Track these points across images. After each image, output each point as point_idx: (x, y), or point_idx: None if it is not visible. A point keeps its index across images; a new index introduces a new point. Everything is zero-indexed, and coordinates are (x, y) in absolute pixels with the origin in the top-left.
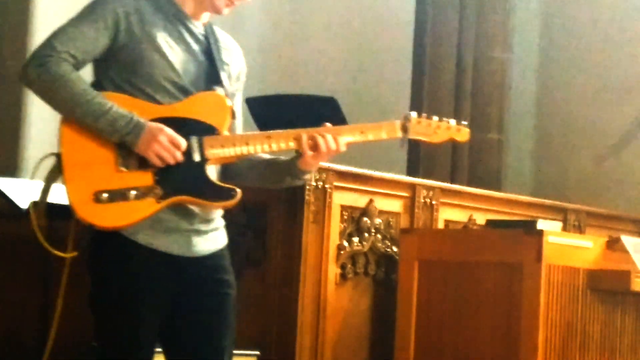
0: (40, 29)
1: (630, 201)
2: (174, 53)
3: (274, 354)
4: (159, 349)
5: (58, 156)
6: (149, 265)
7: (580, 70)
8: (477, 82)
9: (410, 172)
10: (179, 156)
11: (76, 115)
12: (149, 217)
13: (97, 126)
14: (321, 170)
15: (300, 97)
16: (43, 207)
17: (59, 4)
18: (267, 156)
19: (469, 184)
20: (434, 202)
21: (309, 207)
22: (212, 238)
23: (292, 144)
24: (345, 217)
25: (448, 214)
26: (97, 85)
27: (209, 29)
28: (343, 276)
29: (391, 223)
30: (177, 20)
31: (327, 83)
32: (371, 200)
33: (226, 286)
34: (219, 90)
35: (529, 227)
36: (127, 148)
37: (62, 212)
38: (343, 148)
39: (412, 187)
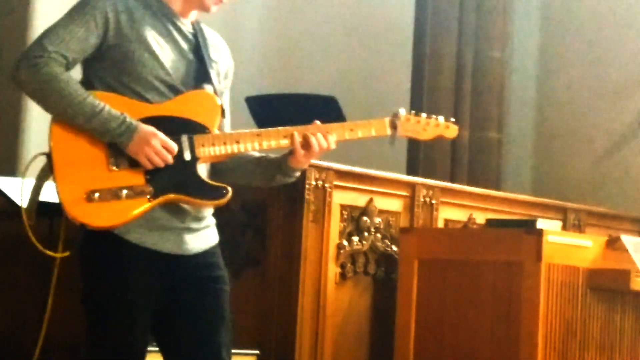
0: (41, 29)
1: (630, 200)
2: (164, 52)
3: (273, 353)
4: (156, 348)
5: (48, 155)
6: (141, 264)
7: (580, 69)
8: (476, 81)
9: (410, 171)
10: (170, 160)
11: (68, 116)
12: (140, 216)
13: (88, 127)
14: (321, 169)
15: (300, 97)
16: (34, 207)
17: (59, 3)
18: (256, 154)
19: (469, 183)
20: (433, 202)
21: (309, 206)
22: (204, 236)
23: (282, 142)
24: (345, 216)
25: (448, 213)
26: (87, 84)
27: (197, 27)
28: (343, 275)
29: (391, 222)
30: (165, 19)
31: (327, 82)
32: (371, 200)
33: (220, 282)
34: (208, 89)
35: (528, 227)
36: (118, 147)
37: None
38: (333, 146)
39: (412, 187)
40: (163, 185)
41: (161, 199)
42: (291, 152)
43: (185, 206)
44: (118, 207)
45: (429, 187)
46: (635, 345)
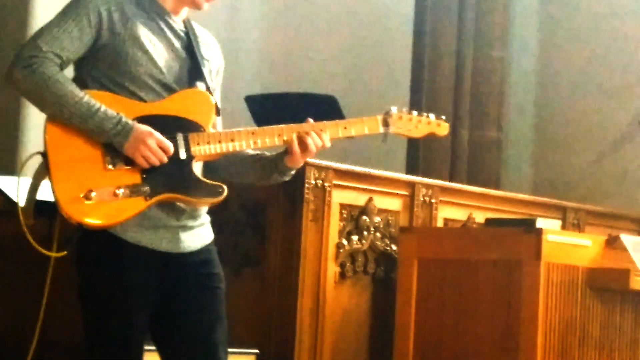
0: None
1: (629, 200)
2: (157, 50)
3: (273, 352)
4: (152, 347)
5: (44, 155)
6: (137, 263)
7: (579, 68)
8: (476, 80)
9: (410, 170)
10: (166, 159)
11: (64, 116)
12: (137, 215)
13: (84, 127)
14: (321, 168)
15: (299, 96)
16: (31, 206)
17: (58, 3)
18: (251, 152)
19: (468, 183)
20: (433, 201)
21: (308, 206)
22: (199, 234)
23: (276, 141)
24: (345, 215)
25: (447, 213)
26: (79, 83)
27: (188, 25)
28: (342, 275)
29: (390, 221)
30: (158, 17)
31: (327, 82)
32: (370, 199)
33: (216, 280)
34: (200, 87)
35: (528, 226)
36: (114, 147)
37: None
38: (328, 144)
39: (412, 186)
40: (159, 184)
41: (158, 197)
42: (287, 152)
43: (181, 204)
44: (115, 207)
45: (428, 187)
46: (635, 344)
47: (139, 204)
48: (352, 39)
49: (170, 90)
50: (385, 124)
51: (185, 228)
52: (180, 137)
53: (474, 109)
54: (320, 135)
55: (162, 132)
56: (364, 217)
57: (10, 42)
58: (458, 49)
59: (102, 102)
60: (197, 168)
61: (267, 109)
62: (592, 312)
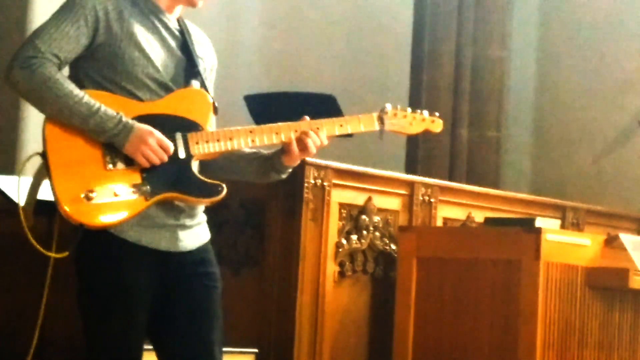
0: None
1: (628, 199)
2: (153, 49)
3: (272, 351)
4: (150, 347)
5: (43, 155)
6: (137, 262)
7: (579, 67)
8: (475, 80)
9: (409, 169)
10: (166, 158)
11: (64, 117)
12: (137, 214)
13: (85, 127)
14: (320, 167)
15: (298, 95)
16: (31, 207)
17: (57, 3)
18: (248, 150)
19: (468, 182)
20: (432, 200)
21: (308, 205)
22: (197, 233)
23: (274, 139)
24: (344, 214)
25: (446, 212)
26: (75, 82)
27: (182, 23)
28: (341, 274)
29: (390, 221)
30: (153, 16)
31: (326, 81)
32: (370, 198)
33: (213, 279)
34: (196, 85)
35: (527, 225)
36: (114, 146)
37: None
38: (325, 141)
39: (411, 185)
40: (159, 183)
41: (158, 197)
42: (284, 150)
43: (179, 203)
44: (116, 206)
45: (427, 186)
46: (634, 343)
47: (140, 204)
48: (352, 38)
49: (167, 89)
50: (381, 121)
51: (184, 227)
52: (179, 137)
53: (473, 108)
54: (319, 134)
55: (161, 132)
56: (363, 217)
57: (10, 42)
58: (457, 49)
59: (100, 102)
60: (195, 167)
61: (266, 108)
62: (591, 311)
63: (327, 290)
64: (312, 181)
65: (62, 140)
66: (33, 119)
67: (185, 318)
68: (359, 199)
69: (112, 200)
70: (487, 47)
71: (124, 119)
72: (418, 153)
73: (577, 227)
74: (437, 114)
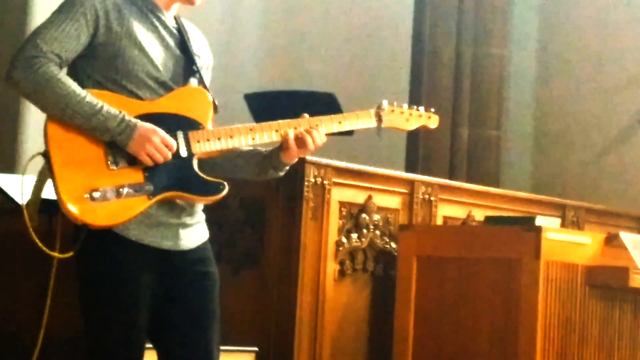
0: None
1: (628, 198)
2: (153, 48)
3: (272, 350)
4: (149, 345)
5: (45, 155)
6: (140, 261)
7: (579, 66)
8: (475, 78)
9: (409, 168)
10: (170, 156)
11: (66, 116)
12: (140, 214)
13: (88, 126)
14: (320, 166)
15: (298, 93)
16: (35, 207)
17: (57, 3)
18: (246, 148)
19: (468, 181)
20: (432, 199)
21: (308, 204)
22: (197, 231)
23: (274, 136)
24: (344, 213)
25: (447, 211)
26: (75, 82)
27: (179, 21)
28: (342, 272)
29: (390, 219)
30: (151, 14)
31: (326, 79)
32: (370, 197)
33: (211, 279)
34: (194, 83)
35: (527, 224)
36: (116, 145)
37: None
38: (324, 139)
39: (411, 184)
40: (162, 182)
41: (161, 196)
42: (282, 147)
43: (180, 202)
44: (119, 206)
45: (428, 184)
46: (634, 342)
47: (143, 203)
48: (352, 36)
49: (166, 87)
50: (378, 117)
51: (185, 226)
52: (180, 135)
53: (473, 106)
54: (318, 131)
55: (163, 130)
56: (364, 215)
57: (10, 42)
58: (457, 47)
59: (102, 101)
60: (195, 165)
61: (267, 106)
62: (591, 309)
63: (327, 288)
64: (312, 180)
65: (64, 140)
66: (33, 118)
67: (184, 317)
68: (359, 197)
69: (116, 200)
70: (487, 45)
71: (127, 117)
72: (418, 152)
73: (578, 225)
74: (432, 109)
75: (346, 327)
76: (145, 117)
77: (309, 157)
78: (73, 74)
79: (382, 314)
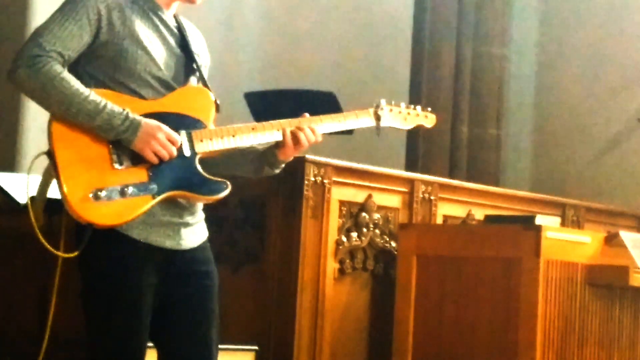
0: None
1: (628, 196)
2: (155, 47)
3: (272, 349)
4: (150, 344)
5: (49, 154)
6: (143, 261)
7: (579, 65)
8: (475, 77)
9: (409, 167)
10: (175, 153)
11: (70, 115)
12: (144, 213)
13: (92, 125)
14: (320, 165)
15: (298, 92)
16: (41, 207)
17: (58, 3)
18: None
19: (468, 179)
20: (432, 198)
21: (308, 202)
22: (197, 230)
23: (276, 136)
24: (344, 212)
25: (447, 209)
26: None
27: (178, 20)
28: (341, 271)
29: (390, 218)
30: (152, 13)
31: (326, 78)
32: (370, 196)
33: (211, 277)
34: (193, 81)
35: (527, 223)
36: (120, 144)
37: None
38: (320, 138)
39: (411, 183)
40: (166, 181)
41: (165, 195)
42: (278, 145)
43: (182, 201)
44: (124, 205)
45: (427, 183)
46: (634, 341)
47: (147, 202)
48: (352, 35)
49: (168, 87)
50: (377, 116)
51: (186, 225)
52: (183, 134)
53: (473, 106)
54: (313, 130)
55: None
56: (364, 214)
57: (10, 42)
58: (457, 46)
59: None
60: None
61: (267, 105)
62: (591, 308)
63: (327, 287)
64: (312, 178)
65: (68, 139)
66: (33, 117)
67: (185, 317)
68: (359, 196)
69: (120, 199)
70: (487, 44)
71: (131, 115)
72: (418, 150)
73: (577, 224)
74: (429, 109)
75: (346, 326)
76: (148, 116)
77: (309, 156)
78: (75, 73)
79: (382, 313)
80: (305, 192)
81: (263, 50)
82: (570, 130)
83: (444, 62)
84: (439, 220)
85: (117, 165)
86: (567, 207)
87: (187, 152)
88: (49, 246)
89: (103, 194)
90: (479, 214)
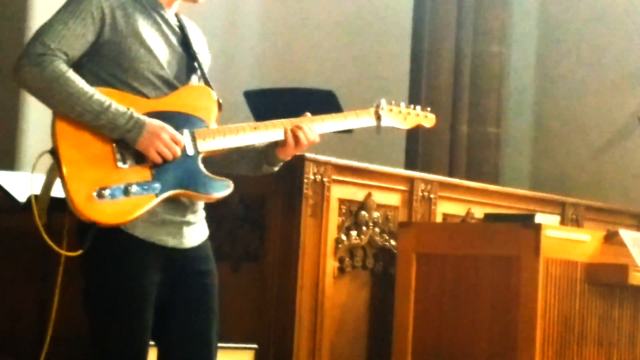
0: (38, 24)
1: (628, 195)
2: (157, 46)
3: (272, 347)
4: (152, 343)
5: (54, 153)
6: (146, 259)
7: (578, 63)
8: (475, 75)
9: (409, 165)
10: (179, 153)
11: (75, 114)
12: (147, 211)
13: (96, 124)
14: (319, 163)
15: (298, 91)
16: (45, 205)
17: (57, 3)
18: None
19: (467, 178)
20: (432, 196)
21: (307, 201)
22: (199, 229)
23: (279, 135)
24: (344, 210)
25: (446, 208)
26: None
27: (179, 18)
28: (341, 270)
29: (389, 217)
30: (154, 12)
31: (326, 76)
32: (369, 194)
33: (211, 277)
34: (194, 80)
35: (527, 221)
36: (124, 143)
37: (62, 206)
38: (317, 139)
39: (410, 181)
40: (169, 180)
41: (168, 194)
42: (278, 144)
43: (185, 200)
44: (127, 204)
45: (427, 182)
46: (633, 340)
47: (150, 201)
48: (351, 33)
49: (170, 86)
50: (377, 116)
51: (188, 224)
52: (186, 133)
53: (472, 104)
54: (312, 129)
55: None
56: (363, 212)
57: (10, 42)
58: (457, 44)
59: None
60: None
61: (266, 104)
62: (590, 307)
63: (327, 286)
64: (312, 177)
65: (72, 138)
66: (33, 115)
67: (185, 316)
68: (358, 194)
69: (124, 198)
70: (486, 42)
71: (135, 114)
72: (418, 149)
73: (577, 223)
74: (429, 109)
75: (345, 324)
76: (151, 115)
77: (308, 155)
78: (78, 71)
79: (382, 311)
80: (305, 191)
81: (263, 48)
82: (570, 128)
83: (444, 61)
84: (439, 219)
85: (120, 164)
86: (567, 206)
87: (190, 151)
88: (53, 245)
89: (107, 192)
90: (479, 213)
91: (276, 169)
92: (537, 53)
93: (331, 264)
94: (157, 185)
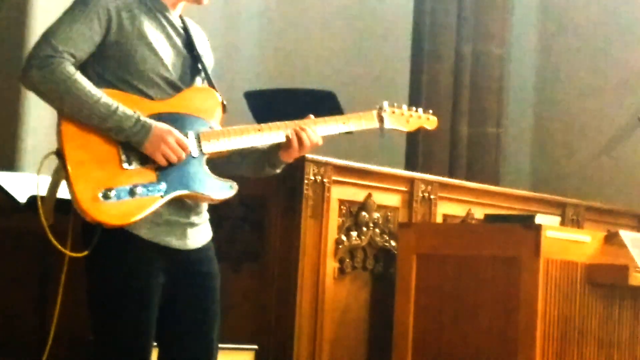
0: (38, 24)
1: (628, 196)
2: (163, 48)
3: (272, 348)
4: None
5: (58, 154)
6: (151, 260)
7: (579, 64)
8: (475, 76)
9: (409, 166)
10: (184, 156)
11: (82, 116)
12: (152, 213)
13: (103, 127)
14: (320, 164)
15: (298, 92)
16: (51, 206)
17: (58, 3)
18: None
19: (467, 179)
20: (432, 197)
21: (307, 202)
22: (203, 230)
23: (282, 136)
24: (344, 211)
25: (446, 209)
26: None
27: (183, 20)
28: (341, 270)
29: (389, 217)
30: (159, 14)
31: (326, 77)
32: (369, 195)
33: (213, 279)
34: (198, 82)
35: (527, 222)
36: (129, 145)
37: (65, 207)
38: (320, 141)
39: (411, 182)
40: (174, 181)
41: (173, 195)
42: (281, 146)
43: (189, 201)
44: (133, 205)
45: (427, 182)
46: (634, 340)
47: (155, 202)
48: (352, 34)
49: (175, 87)
50: (380, 118)
51: (192, 225)
52: (191, 135)
53: (473, 105)
54: (315, 132)
55: None
56: (363, 213)
57: (10, 42)
58: (457, 45)
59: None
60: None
61: (267, 105)
62: (591, 307)
63: (327, 286)
64: (312, 178)
65: (78, 139)
66: (33, 116)
67: (187, 317)
68: (358, 195)
69: (129, 199)
70: (486, 43)
71: (142, 118)
72: (418, 149)
73: (577, 223)
74: (430, 111)
75: (346, 325)
76: (157, 117)
77: (308, 155)
78: (83, 73)
79: (382, 312)
80: (305, 191)
81: (263, 49)
82: (570, 129)
83: (444, 61)
84: (439, 220)
85: (126, 165)
86: (567, 206)
87: (195, 153)
88: (59, 246)
89: (112, 193)
90: (479, 213)
91: (278, 171)
92: (537, 54)
93: (331, 265)
94: (162, 187)
